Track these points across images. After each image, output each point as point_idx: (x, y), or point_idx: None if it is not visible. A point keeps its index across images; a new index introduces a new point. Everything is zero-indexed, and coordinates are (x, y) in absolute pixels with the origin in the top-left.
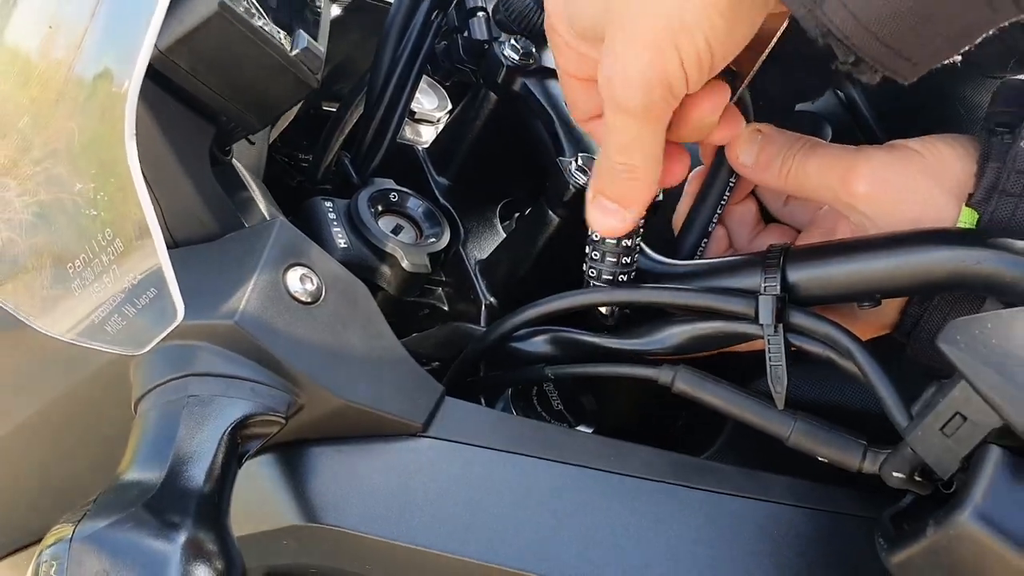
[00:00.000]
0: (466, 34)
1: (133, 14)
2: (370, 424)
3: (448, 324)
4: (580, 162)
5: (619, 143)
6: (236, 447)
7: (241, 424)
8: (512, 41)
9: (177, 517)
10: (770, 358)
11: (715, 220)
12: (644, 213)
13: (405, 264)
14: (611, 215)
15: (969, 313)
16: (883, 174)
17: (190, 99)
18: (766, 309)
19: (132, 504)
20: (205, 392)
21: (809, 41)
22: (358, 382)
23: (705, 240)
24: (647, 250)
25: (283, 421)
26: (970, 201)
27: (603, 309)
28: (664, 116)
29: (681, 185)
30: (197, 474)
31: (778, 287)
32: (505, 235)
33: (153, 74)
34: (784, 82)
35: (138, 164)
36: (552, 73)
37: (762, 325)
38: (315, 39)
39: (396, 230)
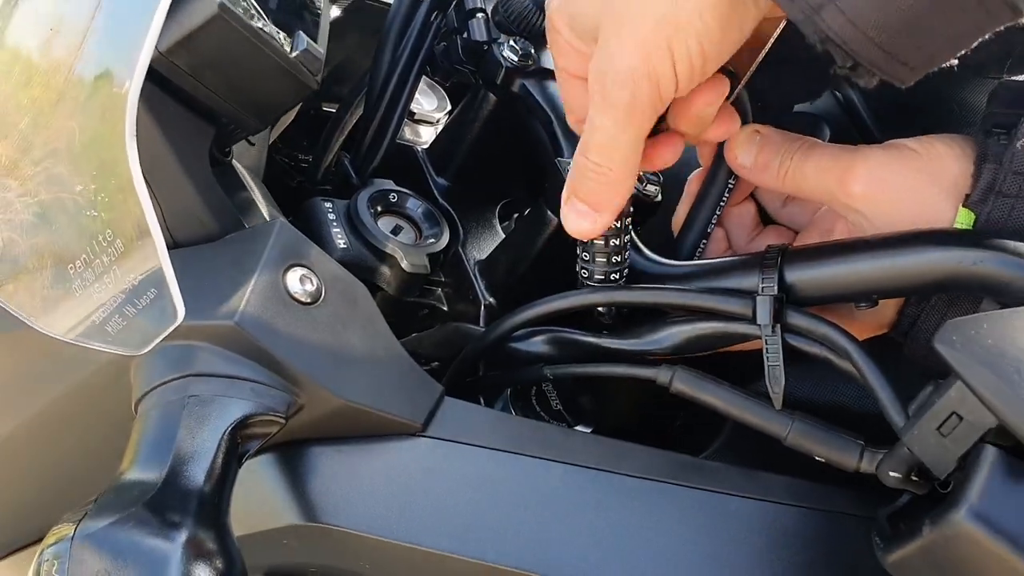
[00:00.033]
0: (465, 35)
1: (134, 15)
2: (370, 424)
3: (447, 324)
4: None
5: (599, 142)
6: (236, 447)
7: (241, 424)
8: (511, 42)
9: (178, 516)
10: (768, 358)
11: (714, 221)
12: (616, 217)
13: (404, 264)
14: (583, 217)
15: (966, 313)
16: (880, 174)
17: (190, 100)
18: (764, 310)
19: (133, 503)
20: (205, 392)
21: (807, 43)
22: (358, 382)
23: (704, 241)
24: (646, 250)
25: (283, 421)
26: (967, 202)
27: (601, 309)
28: (647, 119)
29: (681, 186)
30: (197, 474)
31: (776, 288)
32: (504, 235)
33: (153, 75)
34: (782, 83)
35: (138, 165)
36: (551, 74)
37: (760, 325)
38: (315, 40)
39: (395, 230)
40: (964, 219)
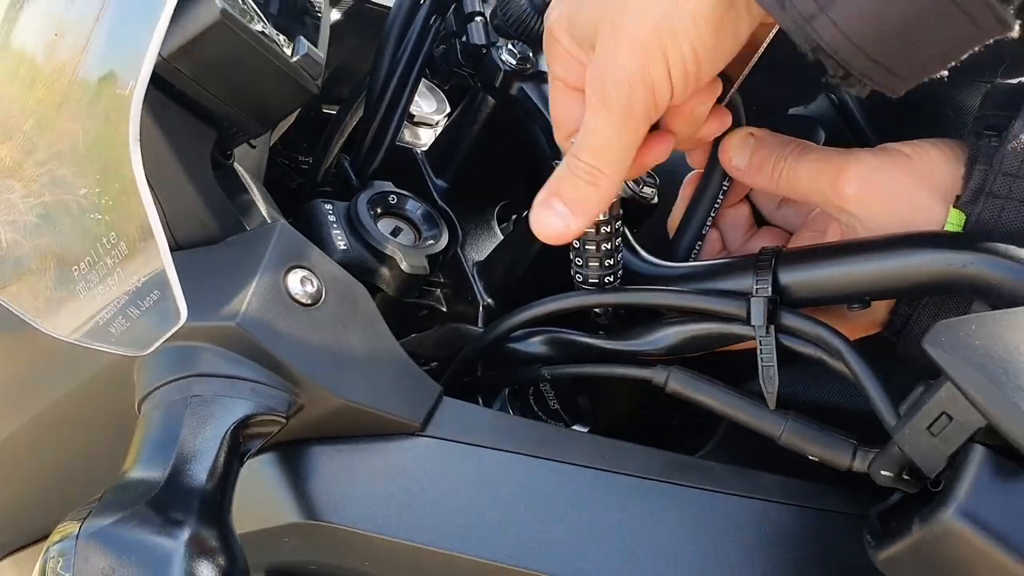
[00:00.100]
0: (464, 38)
1: (138, 19)
2: (369, 424)
3: (446, 325)
4: None
5: (592, 144)
6: (238, 446)
7: (243, 424)
8: (509, 46)
9: (180, 515)
10: (762, 359)
11: (709, 223)
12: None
13: (404, 266)
14: (558, 218)
15: (958, 312)
16: (872, 176)
17: (192, 104)
18: (758, 311)
19: (136, 502)
20: (207, 392)
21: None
22: (357, 382)
23: (699, 243)
24: (642, 252)
25: (284, 421)
26: (957, 203)
27: (598, 310)
28: (642, 125)
29: (676, 189)
30: (200, 472)
31: (769, 289)
32: (502, 237)
33: (156, 80)
34: (777, 86)
35: (142, 167)
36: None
37: (754, 326)
38: (315, 44)
39: (395, 232)
40: (955, 220)
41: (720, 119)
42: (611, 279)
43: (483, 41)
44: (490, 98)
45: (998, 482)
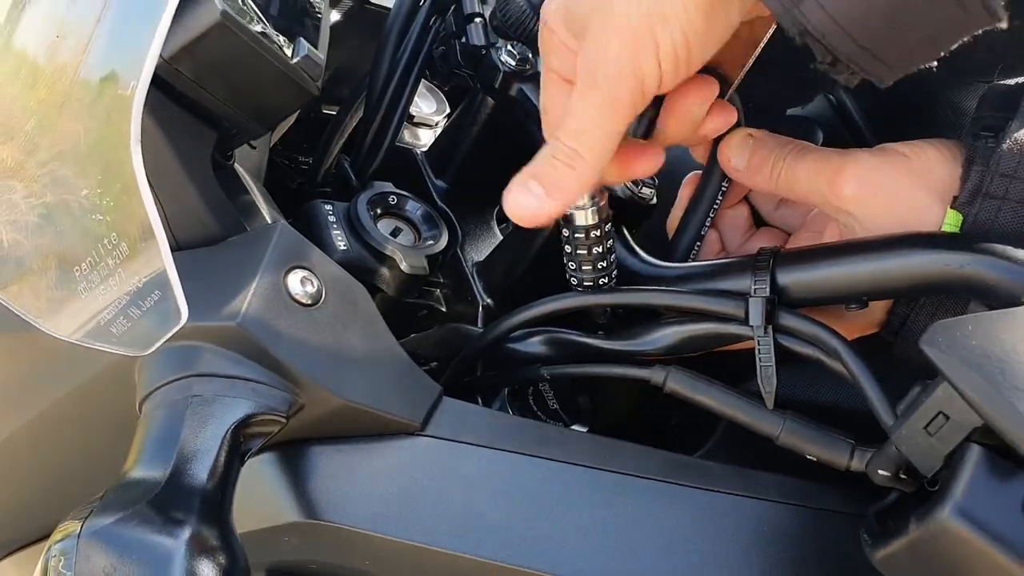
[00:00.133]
0: (464, 39)
1: (139, 19)
2: (369, 423)
3: (446, 325)
4: None
5: (575, 127)
6: (238, 446)
7: (243, 423)
8: (509, 47)
9: (181, 514)
10: (760, 359)
11: (708, 223)
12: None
13: (404, 266)
14: (532, 199)
15: (955, 312)
16: (870, 177)
17: (193, 105)
18: (756, 311)
19: (137, 501)
20: (208, 392)
21: (797, 47)
22: (357, 382)
23: (698, 243)
24: (641, 252)
25: (284, 420)
26: (954, 203)
27: (597, 310)
28: (627, 110)
29: (676, 189)
30: (200, 472)
31: (768, 289)
32: (502, 237)
33: (157, 81)
34: (775, 87)
35: (143, 168)
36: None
37: (752, 326)
38: (315, 46)
39: (395, 232)
40: (952, 220)
41: (723, 116)
42: (605, 281)
43: (482, 42)
44: (489, 99)
45: (994, 481)
